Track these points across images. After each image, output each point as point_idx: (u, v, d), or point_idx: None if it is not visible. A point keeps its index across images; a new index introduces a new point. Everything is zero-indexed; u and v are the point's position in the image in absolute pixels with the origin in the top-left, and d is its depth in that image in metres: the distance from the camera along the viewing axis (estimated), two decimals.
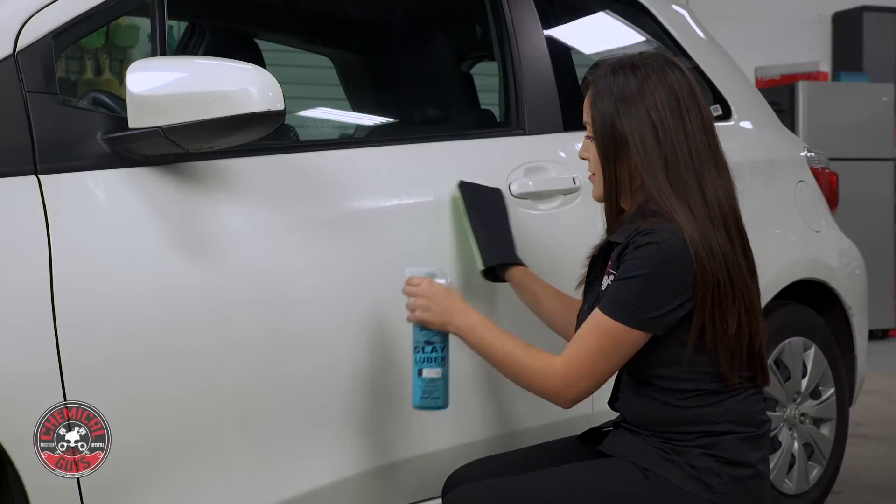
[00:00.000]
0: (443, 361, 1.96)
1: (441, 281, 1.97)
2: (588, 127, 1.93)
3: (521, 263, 2.24)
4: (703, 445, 1.81)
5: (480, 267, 2.22)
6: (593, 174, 1.94)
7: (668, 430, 1.83)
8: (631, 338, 1.78)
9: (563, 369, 1.81)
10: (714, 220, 1.80)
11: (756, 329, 1.83)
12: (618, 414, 1.98)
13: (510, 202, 2.39)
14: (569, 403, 1.84)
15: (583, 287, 2.05)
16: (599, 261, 1.98)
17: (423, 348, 1.95)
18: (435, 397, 1.96)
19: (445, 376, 1.96)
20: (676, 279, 1.75)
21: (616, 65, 1.89)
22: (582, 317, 1.94)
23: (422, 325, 1.95)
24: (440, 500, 2.01)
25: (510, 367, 1.88)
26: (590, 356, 1.80)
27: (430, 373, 1.95)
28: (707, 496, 1.79)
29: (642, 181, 1.85)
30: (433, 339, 1.95)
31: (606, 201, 1.93)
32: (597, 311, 1.81)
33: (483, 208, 2.28)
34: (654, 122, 1.82)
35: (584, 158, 1.97)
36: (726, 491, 1.81)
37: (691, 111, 1.84)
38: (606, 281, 1.86)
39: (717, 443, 1.82)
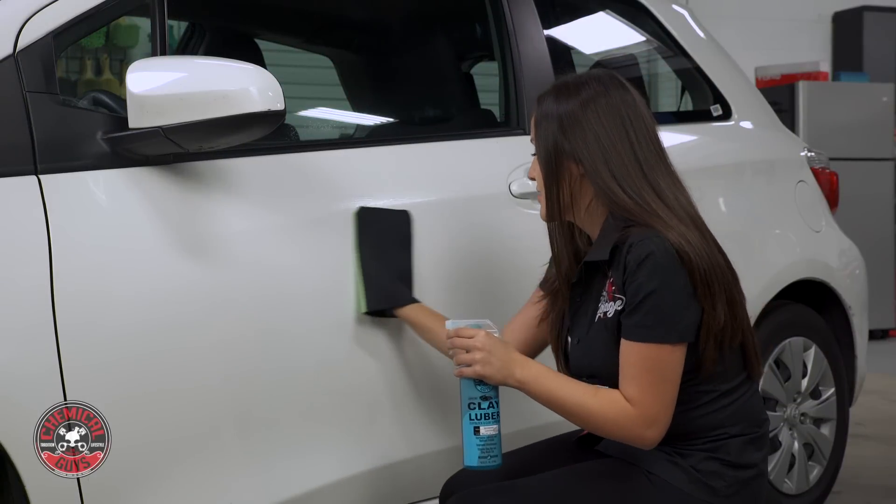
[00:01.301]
0: (498, 416, 1.82)
1: (493, 332, 1.85)
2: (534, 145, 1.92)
3: (411, 302, 2.14)
4: (708, 449, 1.81)
5: (361, 311, 2.10)
6: (541, 194, 1.93)
7: (675, 441, 1.82)
8: (678, 354, 1.75)
9: (636, 413, 1.74)
10: (682, 220, 1.80)
11: (738, 327, 1.82)
12: None
13: (510, 202, 2.39)
14: (654, 443, 1.76)
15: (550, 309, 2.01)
16: (580, 287, 1.92)
17: (479, 405, 1.80)
18: (493, 455, 1.81)
19: (500, 430, 1.82)
20: (680, 279, 1.74)
21: (560, 85, 1.89)
22: (577, 350, 1.90)
23: (477, 381, 1.81)
24: (439, 501, 2.01)
25: (582, 415, 1.78)
26: (654, 390, 1.74)
27: (489, 430, 1.80)
28: (710, 499, 1.79)
29: (593, 198, 1.85)
30: (489, 394, 1.81)
31: (550, 221, 1.93)
32: (633, 345, 1.75)
33: (380, 240, 2.14)
34: (598, 138, 1.82)
35: (532, 179, 1.96)
36: (730, 493, 1.81)
37: (636, 125, 1.84)
38: (612, 307, 1.80)
39: (723, 446, 1.82)
